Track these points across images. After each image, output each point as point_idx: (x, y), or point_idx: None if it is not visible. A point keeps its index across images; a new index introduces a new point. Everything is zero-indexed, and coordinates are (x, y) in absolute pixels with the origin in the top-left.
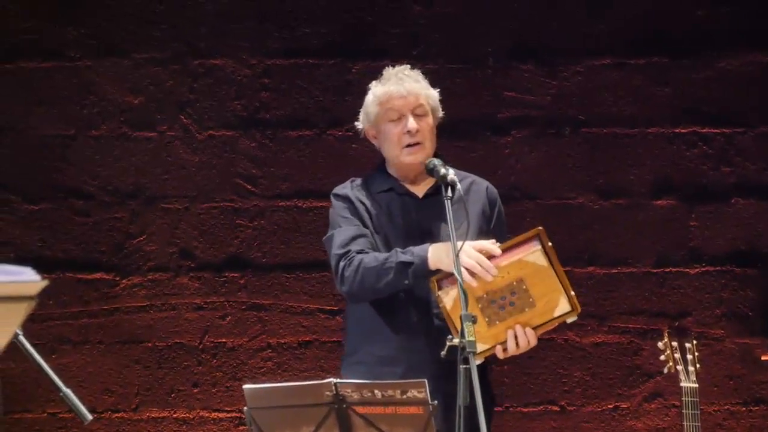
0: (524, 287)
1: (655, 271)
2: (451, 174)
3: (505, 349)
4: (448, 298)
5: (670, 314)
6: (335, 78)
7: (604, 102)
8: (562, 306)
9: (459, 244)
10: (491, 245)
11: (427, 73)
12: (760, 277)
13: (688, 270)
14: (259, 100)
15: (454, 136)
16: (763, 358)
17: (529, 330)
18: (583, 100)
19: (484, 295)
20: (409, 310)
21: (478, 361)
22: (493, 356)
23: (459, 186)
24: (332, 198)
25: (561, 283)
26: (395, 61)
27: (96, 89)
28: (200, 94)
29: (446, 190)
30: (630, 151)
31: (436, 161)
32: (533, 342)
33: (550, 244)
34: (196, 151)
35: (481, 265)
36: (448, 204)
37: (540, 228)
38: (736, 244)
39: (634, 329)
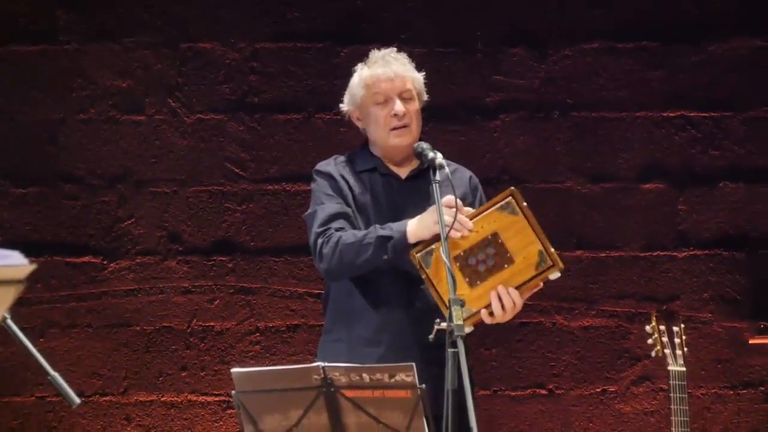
0: (500, 241)
1: (643, 254)
2: (440, 158)
3: (491, 314)
4: (429, 264)
5: (659, 298)
6: (324, 62)
7: (592, 86)
8: (542, 261)
9: (447, 221)
10: (459, 201)
11: (415, 57)
12: (748, 261)
13: (676, 254)
14: (248, 84)
15: (443, 120)
16: (750, 341)
17: (512, 290)
18: (572, 84)
19: (461, 254)
20: (389, 290)
21: (467, 329)
22: (483, 325)
23: (447, 169)
24: (315, 174)
25: (538, 237)
26: (384, 45)
27: (85, 73)
28: (189, 77)
29: (434, 174)
30: (619, 135)
31: (425, 145)
32: (519, 303)
33: (525, 203)
34: (184, 134)
35: (458, 221)
36: (436, 187)
37: (512, 188)
38: (725, 228)
39: (622, 313)
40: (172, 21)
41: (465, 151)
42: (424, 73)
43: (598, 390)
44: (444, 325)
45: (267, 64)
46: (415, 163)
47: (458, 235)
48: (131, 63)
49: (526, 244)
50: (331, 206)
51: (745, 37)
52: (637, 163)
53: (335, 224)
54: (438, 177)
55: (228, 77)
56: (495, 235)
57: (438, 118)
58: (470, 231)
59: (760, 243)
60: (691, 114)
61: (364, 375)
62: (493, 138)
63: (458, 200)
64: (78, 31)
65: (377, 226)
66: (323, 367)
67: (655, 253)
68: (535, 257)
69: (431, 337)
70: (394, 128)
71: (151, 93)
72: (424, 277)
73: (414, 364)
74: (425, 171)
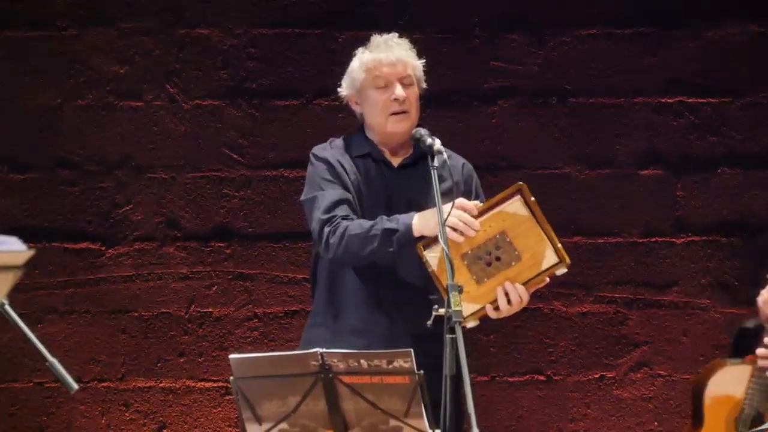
0: (508, 240)
1: (641, 240)
2: (438, 144)
3: (497, 308)
4: (434, 260)
5: (656, 284)
6: (322, 47)
7: (591, 72)
8: (549, 258)
9: (445, 210)
10: (469, 203)
11: (413, 43)
12: (746, 247)
13: (674, 240)
14: (246, 70)
15: (441, 106)
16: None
17: (519, 286)
18: (570, 70)
19: (469, 251)
20: (377, 282)
21: (472, 324)
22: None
23: (445, 156)
24: (312, 158)
25: (546, 234)
26: (382, 31)
27: (83, 59)
28: (186, 63)
29: (432, 160)
30: (617, 121)
31: (423, 131)
32: (525, 298)
33: (533, 198)
34: (182, 120)
35: (463, 222)
36: (434, 173)
37: (521, 183)
38: (723, 213)
39: (620, 299)
40: (169, 7)
41: (463, 137)
42: (424, 61)
43: (596, 376)
44: (442, 311)
45: (265, 50)
46: (409, 151)
47: (461, 239)
48: (129, 49)
49: (534, 242)
50: (333, 192)
51: (743, 22)
52: (635, 149)
53: (340, 211)
54: (436, 163)
55: (226, 63)
56: (503, 233)
57: (436, 104)
58: (477, 231)
59: (758, 229)
60: (690, 100)
61: (362, 361)
62: (491, 124)
63: (467, 201)
64: (76, 17)
65: (384, 217)
66: (321, 353)
67: (653, 240)
68: (542, 254)
69: (429, 323)
70: (394, 113)
71: (149, 79)
72: (429, 271)
73: (411, 350)
74: (419, 159)
